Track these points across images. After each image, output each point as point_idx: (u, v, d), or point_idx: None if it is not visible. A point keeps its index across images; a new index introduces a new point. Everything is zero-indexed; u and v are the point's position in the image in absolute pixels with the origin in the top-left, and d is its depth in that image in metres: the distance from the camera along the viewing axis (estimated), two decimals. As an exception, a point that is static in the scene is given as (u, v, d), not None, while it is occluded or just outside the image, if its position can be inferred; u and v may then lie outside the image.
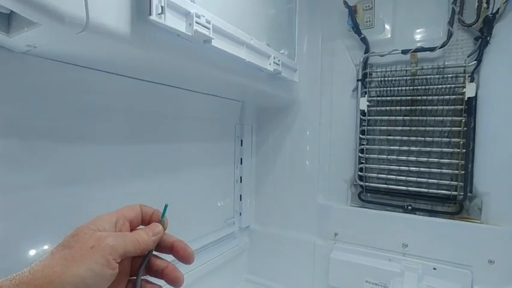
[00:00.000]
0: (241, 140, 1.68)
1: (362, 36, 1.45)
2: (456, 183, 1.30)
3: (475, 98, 1.26)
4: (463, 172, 1.28)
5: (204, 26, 0.85)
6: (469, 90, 1.23)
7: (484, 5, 1.24)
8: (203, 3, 0.88)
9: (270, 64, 1.21)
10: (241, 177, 1.70)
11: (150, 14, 0.71)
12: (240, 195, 1.71)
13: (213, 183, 1.57)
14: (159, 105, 1.27)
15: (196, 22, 0.82)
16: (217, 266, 1.54)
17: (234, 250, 1.67)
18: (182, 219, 1.37)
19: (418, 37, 1.40)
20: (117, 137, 1.11)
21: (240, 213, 1.71)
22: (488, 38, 1.23)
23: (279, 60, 1.25)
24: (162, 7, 0.74)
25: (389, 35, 1.44)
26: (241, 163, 1.69)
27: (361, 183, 1.49)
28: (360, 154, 1.48)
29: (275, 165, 1.71)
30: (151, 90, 1.22)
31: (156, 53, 0.83)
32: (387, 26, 1.45)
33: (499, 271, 1.23)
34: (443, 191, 1.34)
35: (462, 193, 1.29)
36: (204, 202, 1.51)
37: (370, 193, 1.50)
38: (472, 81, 1.25)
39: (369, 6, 1.44)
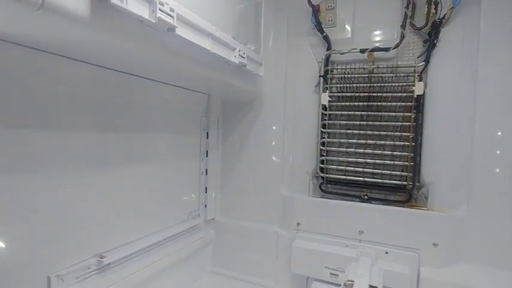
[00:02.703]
0: (207, 133, 1.69)
1: (324, 34, 1.52)
2: (406, 174, 1.41)
3: (423, 96, 1.38)
4: (412, 164, 1.40)
5: (167, 14, 0.85)
6: (418, 89, 1.34)
7: (433, 10, 1.35)
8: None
9: (235, 56, 1.23)
10: (206, 170, 1.71)
11: (112, -2, 0.71)
12: (206, 188, 1.72)
13: (178, 175, 1.57)
14: (123, 94, 1.24)
15: (159, 9, 0.82)
16: (181, 258, 1.55)
17: (198, 242, 1.68)
18: (145, 210, 1.37)
19: (375, 38, 1.49)
20: (79, 125, 1.08)
21: (206, 206, 1.73)
22: (435, 41, 1.35)
23: (244, 53, 1.28)
24: (124, -9, 0.74)
25: (349, 35, 1.53)
26: (206, 155, 1.70)
27: (322, 174, 1.56)
28: (321, 147, 1.56)
29: (241, 158, 1.74)
30: (116, 79, 1.19)
31: (118, 38, 0.83)
32: (348, 26, 1.53)
33: (442, 253, 1.36)
34: (395, 181, 1.45)
35: (411, 183, 1.40)
36: (169, 194, 1.51)
37: (331, 184, 1.58)
38: (420, 80, 1.36)
39: (331, 6, 1.52)
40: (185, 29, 0.95)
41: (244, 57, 1.28)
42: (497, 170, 1.30)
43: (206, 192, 1.72)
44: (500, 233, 1.28)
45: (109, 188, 1.20)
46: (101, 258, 1.13)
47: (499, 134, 1.30)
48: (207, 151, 1.70)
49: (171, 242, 1.52)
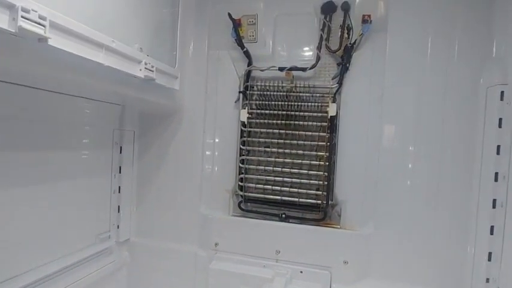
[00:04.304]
0: (121, 147, 1.55)
1: (245, 49, 1.49)
2: (321, 192, 1.43)
3: (337, 116, 1.41)
4: (326, 183, 1.42)
5: (35, 23, 0.73)
6: (331, 110, 1.38)
7: (346, 35, 1.40)
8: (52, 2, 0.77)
9: (140, 70, 1.14)
10: (119, 187, 1.57)
11: None
12: (119, 207, 1.57)
13: (85, 195, 1.40)
14: (18, 108, 1.08)
15: (22, 17, 0.70)
16: (88, 286, 1.39)
17: (109, 267, 1.53)
18: (42, 236, 1.20)
19: (294, 57, 1.50)
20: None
21: (118, 226, 1.58)
22: (348, 65, 1.40)
23: (152, 67, 1.18)
24: (-34, -5, 0.61)
25: (270, 51, 1.52)
26: (120, 172, 1.56)
27: (241, 193, 1.52)
28: (241, 164, 1.52)
29: (159, 174, 1.63)
30: (8, 92, 1.02)
31: (-34, 48, 0.69)
32: (269, 43, 1.52)
33: (352, 270, 1.40)
34: (311, 200, 1.46)
35: (325, 201, 1.43)
36: (71, 216, 1.34)
37: (250, 202, 1.55)
38: (334, 101, 1.40)
39: (252, 21, 1.49)
40: (66, 40, 0.83)
41: (152, 71, 1.19)
42: (408, 183, 1.37)
43: (119, 211, 1.58)
44: (404, 249, 1.36)
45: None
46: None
47: (410, 149, 1.38)
48: (120, 167, 1.56)
49: (73, 271, 1.35)
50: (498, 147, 1.19)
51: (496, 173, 1.19)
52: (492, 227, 1.19)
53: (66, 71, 0.93)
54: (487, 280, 1.20)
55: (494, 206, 1.19)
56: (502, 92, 1.19)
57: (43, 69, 0.88)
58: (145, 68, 1.15)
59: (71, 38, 0.85)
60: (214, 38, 1.56)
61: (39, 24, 0.74)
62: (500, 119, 1.19)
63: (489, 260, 1.19)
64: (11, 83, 1.04)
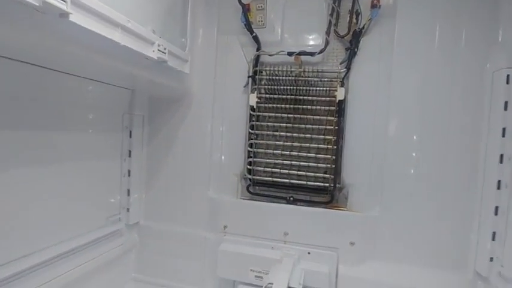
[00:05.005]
0: (130, 131, 1.57)
1: (254, 34, 1.50)
2: (328, 175, 1.46)
3: (344, 101, 1.43)
4: (334, 166, 1.45)
5: (58, -3, 0.75)
6: (339, 94, 1.39)
7: (354, 20, 1.41)
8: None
9: (153, 51, 1.15)
10: (129, 171, 1.59)
11: (-28, -29, 0.59)
12: (128, 190, 1.60)
13: (95, 177, 1.43)
14: (29, 88, 1.09)
15: (45, -9, 0.72)
16: (98, 266, 1.42)
17: (119, 249, 1.56)
18: (54, 216, 1.23)
19: (303, 42, 1.51)
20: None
21: (128, 209, 1.60)
22: (356, 50, 1.41)
23: (165, 49, 1.20)
24: (-7, -34, 0.62)
25: (279, 37, 1.53)
26: (129, 155, 1.58)
27: (250, 176, 1.55)
28: (249, 148, 1.54)
29: (168, 158, 1.65)
30: (21, 71, 1.04)
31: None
32: (277, 28, 1.53)
33: (358, 251, 1.43)
34: (318, 183, 1.48)
35: (333, 184, 1.46)
36: (82, 198, 1.36)
37: (258, 186, 1.57)
38: (342, 86, 1.41)
39: (261, 6, 1.50)
40: (85, 17, 0.85)
41: (165, 53, 1.20)
42: (412, 171, 1.39)
43: (129, 194, 1.60)
44: (409, 231, 1.39)
45: (13, 192, 1.05)
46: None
47: (415, 138, 1.40)
48: (129, 151, 1.58)
49: (85, 251, 1.38)
50: (503, 129, 1.21)
51: (501, 155, 1.21)
52: (497, 208, 1.22)
53: (82, 49, 0.94)
54: (491, 259, 1.23)
55: (499, 187, 1.22)
56: (508, 76, 1.21)
57: (59, 46, 0.89)
58: (158, 49, 1.16)
59: (89, 15, 0.86)
60: (223, 23, 1.57)
61: (61, -1, 0.76)
62: (506, 102, 1.21)
63: (493, 239, 1.23)
64: (26, 63, 1.05)
